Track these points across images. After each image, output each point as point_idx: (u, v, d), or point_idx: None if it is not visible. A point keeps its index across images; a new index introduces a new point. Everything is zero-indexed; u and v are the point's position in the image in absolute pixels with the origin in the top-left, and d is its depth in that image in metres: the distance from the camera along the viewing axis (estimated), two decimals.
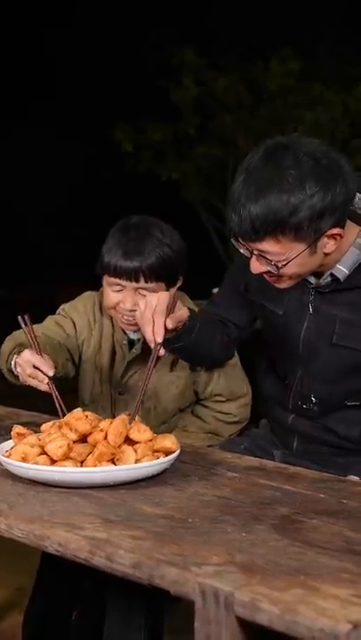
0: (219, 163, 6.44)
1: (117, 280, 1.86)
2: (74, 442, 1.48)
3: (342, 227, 1.57)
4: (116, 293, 1.88)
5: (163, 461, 1.48)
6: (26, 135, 7.63)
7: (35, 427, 1.70)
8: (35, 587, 1.92)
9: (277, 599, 1.01)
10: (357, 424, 1.74)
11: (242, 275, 1.81)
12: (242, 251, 1.61)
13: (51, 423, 1.55)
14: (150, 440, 1.51)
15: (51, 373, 1.65)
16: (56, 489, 1.42)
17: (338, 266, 1.64)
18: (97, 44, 7.56)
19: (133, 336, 1.97)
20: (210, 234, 6.32)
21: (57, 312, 2.04)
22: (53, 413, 1.92)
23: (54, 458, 1.45)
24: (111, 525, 1.25)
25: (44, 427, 1.55)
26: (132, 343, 1.98)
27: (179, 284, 1.94)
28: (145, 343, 1.92)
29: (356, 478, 1.66)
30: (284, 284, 1.64)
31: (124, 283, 1.85)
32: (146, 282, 1.85)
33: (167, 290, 1.89)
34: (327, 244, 1.57)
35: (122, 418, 1.51)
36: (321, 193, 1.50)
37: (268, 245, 1.55)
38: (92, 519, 1.28)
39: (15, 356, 1.74)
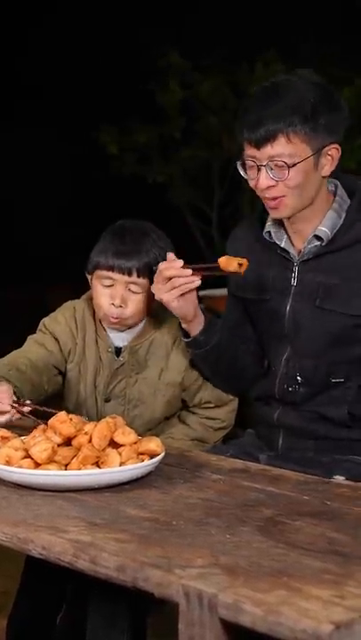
0: (204, 165, 6.45)
1: (109, 273, 1.86)
2: (58, 445, 1.48)
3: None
4: (105, 288, 1.88)
5: (147, 464, 1.48)
6: (11, 137, 7.61)
7: (19, 430, 1.70)
8: (19, 591, 1.91)
9: (260, 601, 1.01)
10: (343, 403, 1.75)
11: (231, 276, 1.84)
12: (248, 172, 1.68)
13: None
14: (135, 443, 1.51)
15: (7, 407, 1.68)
16: (40, 492, 1.42)
17: (319, 227, 1.72)
18: (82, 47, 7.55)
19: (119, 343, 1.94)
20: (196, 236, 6.33)
21: (38, 328, 2.02)
22: (39, 416, 1.91)
23: (38, 461, 1.45)
24: (95, 528, 1.26)
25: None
26: (118, 351, 1.95)
27: None
28: (131, 348, 1.92)
29: (341, 478, 1.67)
30: (284, 208, 1.69)
31: (115, 276, 1.86)
32: (138, 276, 1.85)
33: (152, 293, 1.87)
34: (325, 166, 1.67)
35: (106, 421, 1.52)
36: (324, 97, 1.66)
37: (279, 147, 1.63)
38: (77, 522, 1.28)
39: None
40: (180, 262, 1.69)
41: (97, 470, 1.44)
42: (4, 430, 1.57)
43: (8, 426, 1.69)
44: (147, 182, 6.54)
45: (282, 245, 1.77)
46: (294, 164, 1.64)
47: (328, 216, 1.72)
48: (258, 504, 1.37)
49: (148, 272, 1.85)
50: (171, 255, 1.72)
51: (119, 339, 1.94)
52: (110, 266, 1.85)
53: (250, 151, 1.67)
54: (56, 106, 7.81)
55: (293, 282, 1.75)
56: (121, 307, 1.86)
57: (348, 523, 1.28)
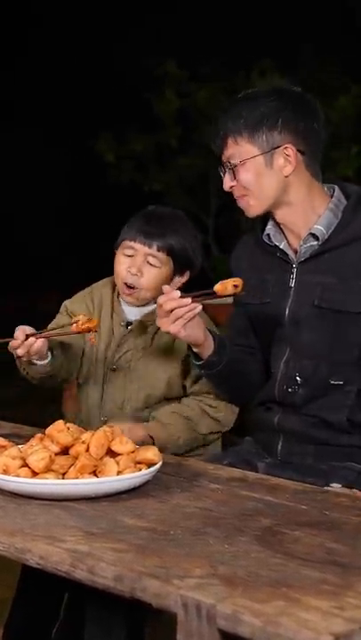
0: (201, 173, 6.46)
1: (131, 243, 1.97)
2: (55, 454, 1.47)
3: (309, 169, 1.77)
4: (126, 258, 1.98)
5: (145, 473, 1.48)
6: (8, 146, 7.62)
7: (16, 438, 1.69)
8: (15, 600, 1.90)
9: (259, 611, 1.01)
10: (343, 407, 1.75)
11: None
12: (222, 174, 1.80)
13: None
14: (132, 452, 1.50)
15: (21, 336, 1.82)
16: (37, 501, 1.41)
17: (315, 225, 1.77)
18: (79, 57, 7.57)
19: (130, 317, 2.03)
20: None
21: (59, 311, 2.12)
22: (37, 425, 1.91)
23: (36, 470, 1.44)
24: (93, 538, 1.25)
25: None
26: (129, 325, 2.03)
27: (185, 277, 2.02)
28: (141, 322, 2.01)
29: (338, 486, 1.67)
30: (251, 207, 1.79)
31: (137, 246, 1.97)
32: (158, 250, 1.96)
33: (172, 274, 1.99)
34: (285, 166, 1.75)
35: (104, 430, 1.51)
36: (280, 103, 1.76)
37: (230, 150, 1.77)
38: (74, 532, 1.28)
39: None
40: (178, 293, 1.71)
41: (94, 479, 1.44)
42: (2, 439, 1.57)
43: (5, 434, 1.68)
44: (143, 190, 6.55)
45: (281, 247, 1.82)
46: (241, 163, 1.76)
47: (324, 215, 1.77)
48: (256, 513, 1.37)
49: (169, 250, 1.96)
50: (166, 287, 1.75)
51: (133, 314, 2.03)
52: (133, 237, 1.97)
53: (220, 155, 1.82)
54: (54, 114, 7.83)
55: (292, 283, 1.79)
56: (136, 275, 1.96)
57: (347, 533, 1.28)
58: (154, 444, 1.83)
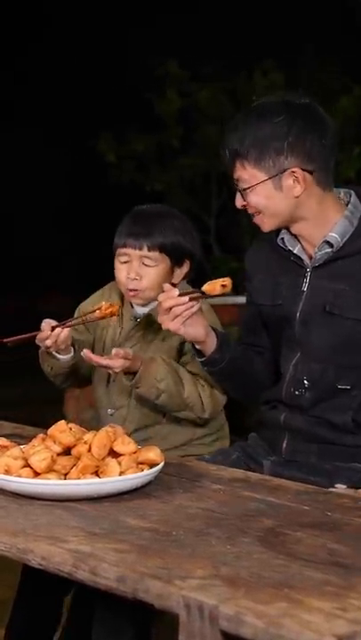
0: (202, 174, 6.46)
1: (124, 250, 2.00)
2: (57, 454, 1.47)
3: (320, 185, 1.75)
4: (123, 265, 2.01)
5: (147, 474, 1.48)
6: (9, 146, 7.62)
7: (18, 438, 1.69)
8: (15, 601, 1.90)
9: (262, 612, 1.01)
10: (348, 409, 1.76)
11: (248, 283, 1.94)
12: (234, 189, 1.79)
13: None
14: (134, 452, 1.50)
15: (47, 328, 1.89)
16: (39, 502, 1.41)
17: (330, 233, 1.77)
18: (80, 56, 7.57)
19: (140, 312, 2.06)
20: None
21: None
22: (38, 425, 1.91)
23: (38, 470, 1.44)
24: (95, 538, 1.25)
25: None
26: (137, 320, 2.06)
27: (185, 267, 2.05)
28: (148, 317, 2.04)
29: (343, 487, 1.67)
30: (265, 224, 1.78)
31: (129, 251, 2.00)
32: (149, 250, 1.98)
33: (172, 268, 2.01)
34: (294, 187, 1.73)
35: (106, 430, 1.51)
36: (287, 122, 1.72)
37: (238, 172, 1.75)
38: (76, 532, 1.27)
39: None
40: (176, 291, 1.73)
41: (96, 480, 1.44)
42: (4, 439, 1.57)
43: (7, 435, 1.68)
44: (145, 190, 6.55)
45: (295, 252, 1.82)
46: (248, 188, 1.75)
47: (339, 223, 1.77)
48: (258, 514, 1.36)
49: (160, 247, 1.98)
50: (167, 286, 1.77)
51: (142, 310, 2.07)
52: (123, 243, 2.00)
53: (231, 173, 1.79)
54: (55, 114, 7.83)
55: (304, 287, 1.80)
56: (136, 279, 1.98)
57: (350, 534, 1.28)
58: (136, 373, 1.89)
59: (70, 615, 1.92)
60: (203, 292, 1.72)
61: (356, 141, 5.95)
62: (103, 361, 1.89)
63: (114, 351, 1.89)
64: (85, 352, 1.91)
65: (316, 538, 1.25)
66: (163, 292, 1.80)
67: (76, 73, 7.70)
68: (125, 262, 2.01)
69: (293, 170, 1.72)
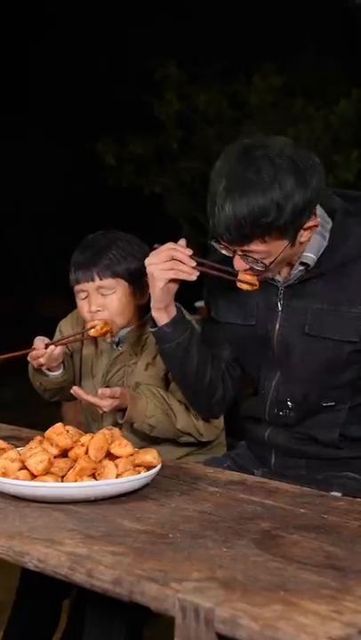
0: (201, 176, 6.46)
1: (79, 286, 1.96)
2: (55, 457, 1.48)
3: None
4: (83, 301, 1.97)
5: (144, 476, 1.48)
6: (7, 148, 7.62)
7: (15, 440, 1.69)
8: (14, 605, 1.90)
9: (257, 615, 1.01)
10: (335, 426, 1.74)
11: (212, 299, 1.86)
12: (223, 252, 1.65)
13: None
14: (131, 454, 1.51)
15: (41, 345, 1.88)
16: (36, 504, 1.41)
17: (305, 253, 1.68)
18: (80, 59, 7.58)
19: (117, 340, 2.01)
20: (192, 246, 6.33)
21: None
22: (36, 427, 1.91)
23: (35, 473, 1.44)
24: (92, 541, 1.25)
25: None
26: (118, 342, 2.02)
27: (147, 289, 1.96)
28: (130, 339, 2.00)
29: (338, 494, 1.67)
30: (261, 278, 1.67)
31: (84, 286, 1.95)
32: (100, 279, 1.93)
33: (133, 291, 1.95)
34: (303, 235, 1.64)
35: (103, 432, 1.51)
36: (301, 190, 1.57)
37: (254, 246, 1.60)
38: (73, 535, 1.28)
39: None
40: (190, 251, 1.67)
41: (93, 482, 1.44)
42: (1, 441, 1.57)
43: (4, 437, 1.68)
44: (143, 193, 6.55)
45: None
46: (274, 259, 1.61)
47: (313, 241, 1.68)
48: (255, 517, 1.37)
49: (112, 273, 1.93)
50: (183, 241, 1.71)
51: (119, 334, 2.00)
52: (76, 279, 1.96)
53: (223, 242, 1.62)
54: (54, 117, 7.83)
55: (279, 307, 1.73)
56: (99, 310, 1.94)
57: (345, 536, 1.28)
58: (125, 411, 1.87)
59: (70, 618, 1.92)
60: (231, 270, 1.63)
61: (355, 144, 5.96)
62: (92, 399, 1.83)
63: (100, 391, 1.83)
64: (75, 389, 1.87)
65: (312, 541, 1.26)
66: (128, 314, 1.83)
67: (76, 75, 7.70)
68: (85, 298, 1.95)
69: (310, 224, 1.62)
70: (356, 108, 6.05)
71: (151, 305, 1.75)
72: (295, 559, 1.18)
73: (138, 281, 1.94)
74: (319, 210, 1.69)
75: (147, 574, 1.13)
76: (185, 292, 1.79)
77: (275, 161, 1.56)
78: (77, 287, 1.96)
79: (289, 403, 1.76)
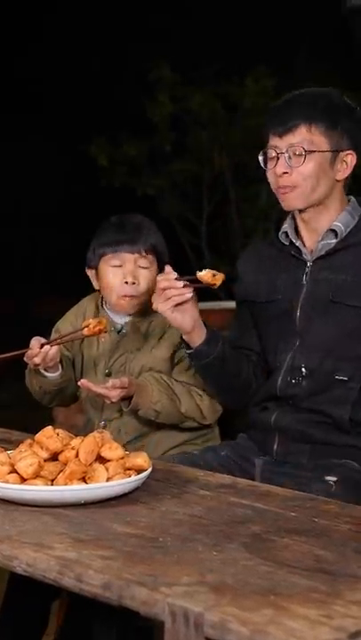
0: (194, 178, 6.46)
1: (118, 254, 1.97)
2: (44, 460, 1.47)
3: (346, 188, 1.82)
4: (116, 269, 1.97)
5: (134, 479, 1.47)
6: (1, 150, 7.61)
7: (5, 444, 1.68)
8: (2, 608, 1.89)
9: (247, 619, 1.01)
10: (346, 403, 1.76)
11: (238, 285, 1.95)
12: (269, 163, 1.80)
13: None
14: (122, 458, 1.50)
15: (36, 346, 1.88)
16: (26, 508, 1.41)
17: (335, 222, 1.81)
18: (73, 60, 7.58)
19: (119, 322, 2.03)
20: (185, 248, 6.34)
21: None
22: (28, 429, 1.91)
23: (24, 476, 1.44)
24: (81, 545, 1.25)
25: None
26: (120, 331, 2.04)
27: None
28: (133, 324, 2.01)
29: (333, 479, 1.70)
30: (293, 199, 1.79)
31: (124, 255, 1.97)
32: (146, 253, 1.97)
33: (158, 270, 1.98)
34: (340, 170, 1.79)
35: (93, 436, 1.51)
36: (354, 116, 1.79)
37: (300, 136, 1.76)
38: (62, 538, 1.27)
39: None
40: (174, 275, 1.73)
41: (83, 486, 1.43)
42: None
43: None
44: (136, 194, 6.54)
45: (297, 244, 1.84)
46: (312, 152, 1.76)
47: (343, 215, 1.82)
48: (245, 520, 1.36)
49: (153, 250, 1.98)
50: (168, 268, 1.77)
51: (121, 319, 2.02)
52: (115, 248, 1.96)
53: (273, 141, 1.80)
54: (47, 118, 7.83)
55: (304, 280, 1.81)
56: (134, 283, 1.96)
57: (336, 540, 1.28)
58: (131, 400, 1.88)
59: (65, 619, 1.91)
60: (196, 279, 1.72)
61: None
62: (101, 390, 1.86)
63: (110, 383, 1.86)
64: (83, 382, 1.89)
65: (303, 544, 1.25)
66: (152, 294, 1.79)
67: (70, 77, 7.70)
68: (118, 266, 1.97)
69: (350, 153, 1.79)
70: None
71: (181, 332, 1.82)
72: (285, 563, 1.18)
73: (162, 265, 1.99)
74: (353, 200, 1.85)
75: (136, 578, 1.12)
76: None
77: (337, 94, 1.84)
78: (113, 255, 1.96)
79: (303, 369, 1.79)
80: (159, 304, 1.74)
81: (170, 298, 1.72)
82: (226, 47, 6.55)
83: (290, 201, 1.80)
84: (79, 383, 1.91)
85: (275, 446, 1.82)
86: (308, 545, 1.25)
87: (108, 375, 2.01)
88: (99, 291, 2.08)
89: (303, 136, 1.76)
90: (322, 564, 1.18)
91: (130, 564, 1.17)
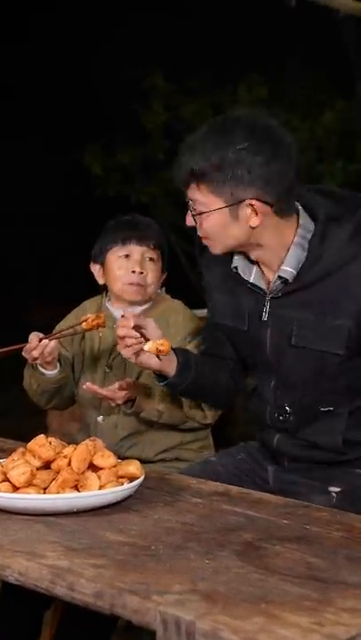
0: None
1: (126, 247, 2.00)
2: (37, 468, 1.47)
3: (279, 213, 1.64)
4: (123, 260, 2.00)
5: (127, 487, 1.48)
6: None
7: None
8: None
9: (238, 628, 1.01)
10: (337, 432, 1.75)
11: (209, 299, 1.88)
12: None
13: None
14: (114, 466, 1.50)
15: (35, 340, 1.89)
16: (18, 516, 1.41)
17: (283, 267, 1.67)
18: (67, 69, 7.60)
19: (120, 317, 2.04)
20: (178, 256, 6.34)
21: None
22: (22, 437, 1.90)
23: (17, 485, 1.44)
24: (74, 553, 1.25)
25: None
26: None
27: (164, 275, 2.07)
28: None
29: (336, 489, 1.70)
30: (215, 249, 1.71)
31: (132, 248, 2.00)
32: (153, 247, 2.00)
33: (162, 271, 2.03)
34: (251, 217, 1.63)
35: (86, 444, 1.51)
36: (251, 147, 1.60)
37: (192, 193, 1.66)
38: (55, 547, 1.27)
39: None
40: (132, 322, 1.70)
41: (76, 494, 1.43)
42: None
43: None
44: (130, 202, 6.55)
45: (251, 280, 1.74)
46: (201, 214, 1.66)
47: (291, 253, 1.66)
48: (237, 528, 1.37)
49: (160, 247, 2.02)
50: (127, 314, 1.75)
51: (119, 313, 2.02)
52: (124, 242, 1.99)
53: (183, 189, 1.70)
54: (40, 126, 7.84)
55: (265, 316, 1.73)
56: (142, 273, 1.99)
57: (328, 547, 1.28)
58: (134, 402, 1.89)
59: (58, 629, 1.91)
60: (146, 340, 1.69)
61: (339, 155, 6.00)
62: (106, 393, 1.88)
63: (117, 385, 1.87)
64: (88, 385, 1.90)
65: (295, 552, 1.26)
66: (157, 289, 1.83)
67: (62, 85, 7.72)
68: (126, 257, 2.00)
69: (251, 202, 1.61)
70: (341, 118, 6.09)
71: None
72: (277, 570, 1.18)
73: (164, 264, 2.05)
74: (303, 218, 1.68)
75: (128, 587, 1.12)
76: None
77: (255, 123, 1.64)
78: (122, 247, 1.99)
79: (287, 408, 1.77)
80: (121, 350, 1.72)
81: (130, 346, 1.70)
82: (219, 55, 6.58)
83: (211, 248, 1.71)
84: (84, 387, 1.92)
85: (285, 463, 1.83)
86: (300, 552, 1.25)
87: (110, 369, 2.02)
88: (102, 289, 2.11)
89: (194, 194, 1.65)
90: (313, 571, 1.18)
91: (122, 572, 1.17)
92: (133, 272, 1.98)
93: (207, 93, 6.35)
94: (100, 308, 2.10)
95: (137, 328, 1.69)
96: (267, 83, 6.23)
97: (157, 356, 1.69)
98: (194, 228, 1.72)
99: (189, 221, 1.70)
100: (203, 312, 2.13)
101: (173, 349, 1.75)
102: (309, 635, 0.99)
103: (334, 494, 1.71)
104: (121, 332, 1.70)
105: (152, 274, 2.00)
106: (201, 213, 1.66)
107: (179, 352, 1.78)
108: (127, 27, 7.30)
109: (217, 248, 1.71)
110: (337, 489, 1.71)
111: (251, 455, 1.89)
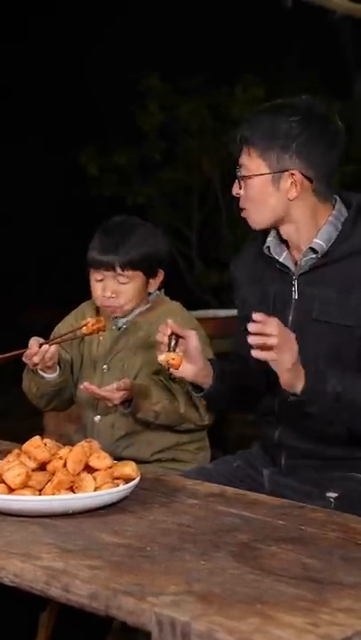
0: (184, 187, 6.48)
1: (98, 271, 2.03)
2: (32, 470, 1.47)
3: (317, 194, 1.74)
4: (98, 283, 2.03)
5: (122, 489, 1.47)
6: None
7: None
8: None
9: (233, 629, 1.01)
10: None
11: (236, 293, 1.94)
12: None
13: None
14: (110, 467, 1.50)
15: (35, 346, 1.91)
16: (14, 518, 1.41)
17: (315, 240, 1.77)
18: (63, 69, 7.59)
19: (120, 321, 2.07)
20: (175, 257, 6.34)
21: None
22: (18, 438, 1.90)
23: (12, 486, 1.43)
24: (69, 555, 1.24)
25: None
26: (120, 328, 2.07)
27: (159, 276, 2.08)
28: (133, 323, 2.05)
29: (334, 495, 1.69)
30: (252, 221, 1.79)
31: (103, 273, 2.02)
32: (122, 270, 2.00)
33: (147, 280, 2.03)
34: (290, 190, 1.74)
35: (82, 445, 1.51)
36: (301, 125, 1.72)
37: (243, 158, 1.76)
38: (50, 549, 1.27)
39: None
40: (168, 331, 1.73)
41: (71, 495, 1.43)
42: None
43: None
44: (126, 203, 6.55)
45: (280, 260, 1.82)
46: (247, 177, 1.75)
47: (324, 229, 1.77)
48: (233, 529, 1.37)
49: (131, 265, 2.00)
50: (169, 321, 1.75)
51: (123, 320, 2.06)
52: (97, 262, 2.01)
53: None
54: (36, 127, 7.83)
55: (294, 295, 1.80)
56: (112, 297, 2.01)
57: (323, 548, 1.28)
58: (132, 402, 1.90)
59: (54, 630, 1.91)
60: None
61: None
62: (104, 393, 1.88)
63: (115, 385, 1.88)
64: (86, 385, 1.91)
65: (290, 552, 1.26)
66: (137, 301, 1.80)
67: (58, 86, 7.71)
68: (100, 280, 2.02)
69: (293, 172, 1.73)
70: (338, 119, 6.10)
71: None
72: (273, 571, 1.18)
73: (152, 270, 2.04)
74: (338, 204, 1.80)
75: (123, 588, 1.12)
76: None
77: (305, 104, 1.76)
78: (95, 270, 2.03)
79: None
80: (157, 355, 1.74)
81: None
82: (215, 56, 6.58)
83: (249, 221, 1.80)
84: (82, 387, 1.92)
85: (282, 461, 1.82)
86: (296, 553, 1.25)
87: (108, 369, 2.03)
88: None
89: (244, 159, 1.76)
90: (309, 571, 1.18)
91: (117, 573, 1.17)
92: (105, 296, 2.01)
93: (203, 94, 6.35)
94: (98, 309, 2.10)
95: (177, 336, 1.72)
96: (263, 83, 6.23)
97: (169, 368, 1.74)
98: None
99: (236, 189, 1.78)
100: (201, 313, 2.13)
101: (209, 360, 1.80)
102: (305, 635, 0.99)
103: (332, 500, 1.70)
104: (158, 337, 1.75)
105: (125, 295, 2.01)
106: (246, 177, 1.75)
107: (214, 362, 1.82)
108: (123, 28, 7.30)
109: (255, 221, 1.79)
110: (334, 494, 1.70)
111: (247, 461, 1.89)
